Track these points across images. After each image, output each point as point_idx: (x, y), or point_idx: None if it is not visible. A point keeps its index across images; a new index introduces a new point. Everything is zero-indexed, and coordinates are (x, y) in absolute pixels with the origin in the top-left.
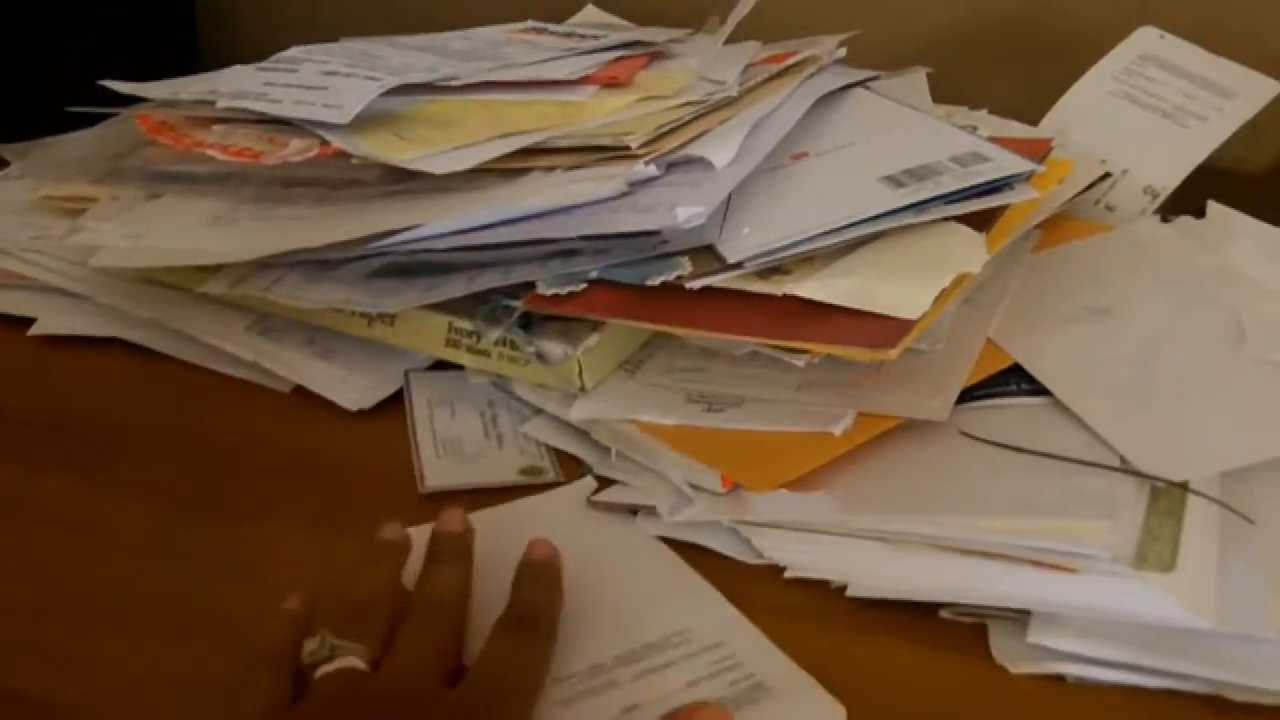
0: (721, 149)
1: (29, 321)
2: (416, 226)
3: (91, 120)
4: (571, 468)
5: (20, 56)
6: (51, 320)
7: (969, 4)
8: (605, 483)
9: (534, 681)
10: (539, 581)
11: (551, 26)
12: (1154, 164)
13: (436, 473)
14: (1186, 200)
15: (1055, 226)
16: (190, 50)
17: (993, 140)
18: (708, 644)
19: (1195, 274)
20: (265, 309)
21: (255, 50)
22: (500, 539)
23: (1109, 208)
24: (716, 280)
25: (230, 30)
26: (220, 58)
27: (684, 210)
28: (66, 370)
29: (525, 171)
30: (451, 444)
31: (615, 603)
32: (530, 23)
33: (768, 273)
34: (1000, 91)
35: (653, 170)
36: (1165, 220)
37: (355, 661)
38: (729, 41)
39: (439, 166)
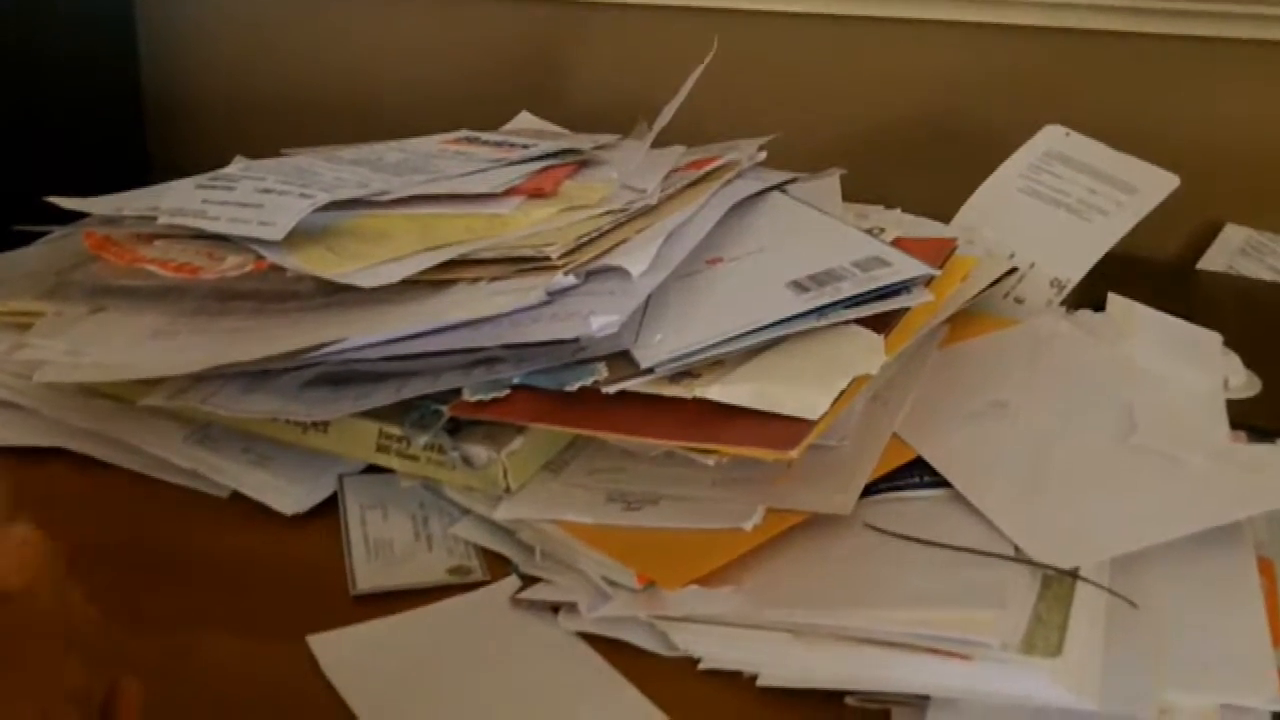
0: (638, 258)
1: None
2: (345, 339)
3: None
4: (499, 567)
5: None
6: None
7: (886, 106)
8: (530, 581)
9: None
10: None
11: (484, 135)
12: (1060, 257)
13: (367, 575)
14: (1097, 287)
15: (962, 322)
16: (141, 159)
17: (898, 242)
18: None
19: (1092, 367)
20: (204, 419)
21: (206, 154)
22: (425, 641)
23: (1018, 300)
24: (630, 385)
25: (179, 137)
26: (172, 164)
27: (598, 319)
28: (12, 481)
29: (452, 283)
30: (383, 545)
31: (537, 702)
32: (464, 132)
33: (679, 376)
34: (917, 188)
35: (571, 280)
36: (1071, 310)
37: None
38: (656, 145)
39: (367, 281)
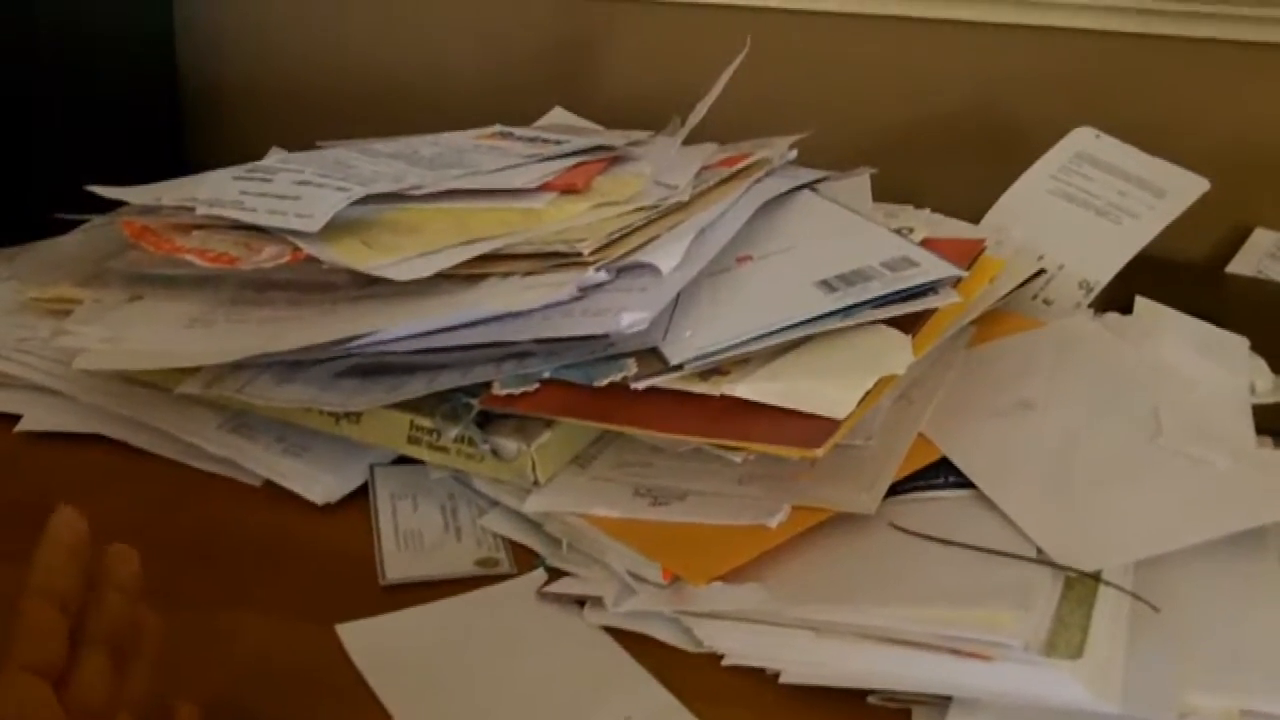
0: (668, 255)
1: (15, 418)
2: (378, 331)
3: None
4: (526, 559)
5: (10, 161)
6: (36, 417)
7: (917, 106)
8: (557, 574)
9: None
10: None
11: (517, 131)
12: (1088, 259)
13: (397, 565)
14: (1126, 289)
15: (990, 322)
16: (178, 148)
17: (926, 242)
18: None
19: (1118, 369)
20: (239, 407)
21: (242, 145)
22: (451, 632)
23: (1046, 301)
24: (659, 381)
25: (216, 128)
26: (208, 153)
27: (628, 316)
28: (49, 465)
29: (484, 277)
30: (412, 536)
31: (561, 694)
32: (498, 127)
33: (707, 373)
34: (947, 187)
35: (603, 276)
36: (1099, 313)
37: None
38: (689, 142)
39: (401, 274)
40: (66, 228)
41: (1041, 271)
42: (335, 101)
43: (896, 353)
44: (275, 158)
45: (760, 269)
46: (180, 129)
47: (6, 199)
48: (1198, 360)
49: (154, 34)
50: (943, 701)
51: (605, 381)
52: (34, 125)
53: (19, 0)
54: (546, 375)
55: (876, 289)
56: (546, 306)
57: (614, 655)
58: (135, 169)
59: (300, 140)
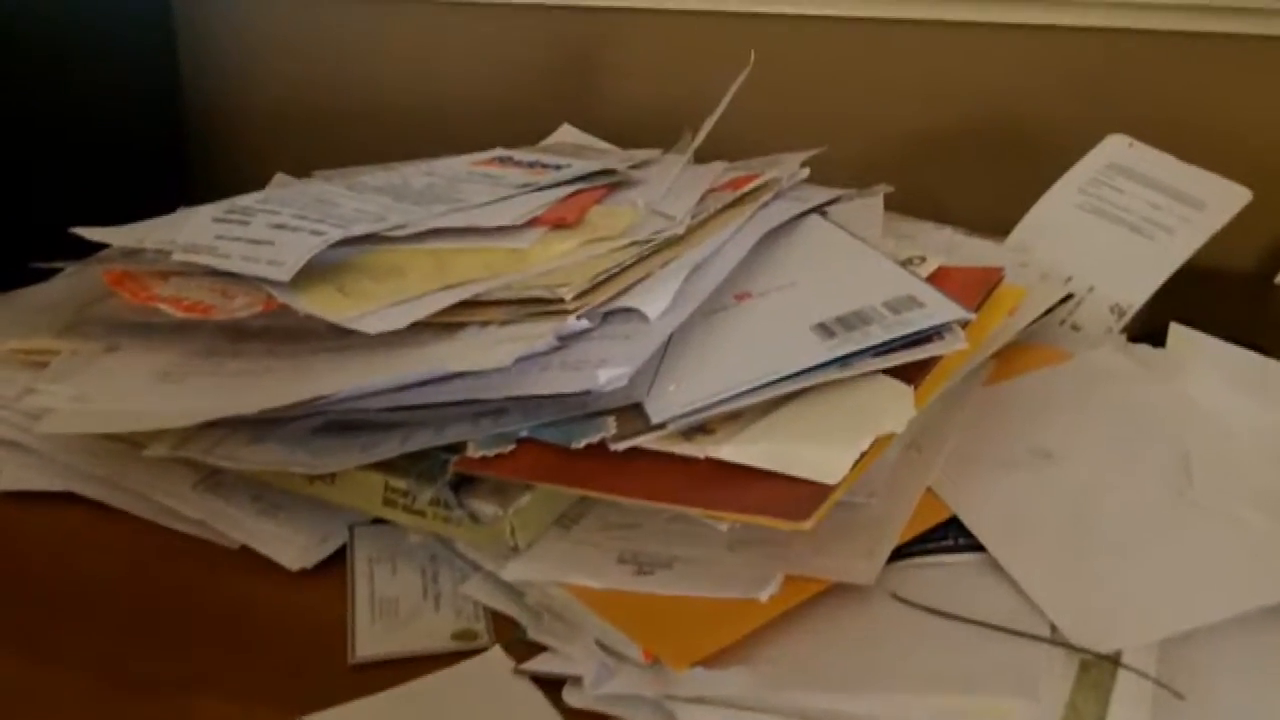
0: (656, 299)
1: None
2: (340, 390)
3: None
4: (507, 628)
5: (7, 191)
6: (12, 476)
7: (940, 114)
8: (539, 648)
9: None
10: None
11: (517, 154)
12: (1121, 280)
13: (368, 641)
14: (1162, 308)
15: (1011, 355)
16: (181, 174)
17: (939, 273)
18: None
19: (1146, 410)
20: (211, 467)
21: (247, 168)
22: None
23: (1075, 327)
24: (640, 441)
25: (221, 152)
26: (212, 178)
27: (605, 373)
28: (21, 527)
29: (463, 325)
30: (389, 604)
31: None
32: (498, 151)
33: (692, 432)
34: (970, 198)
35: (584, 324)
36: (1132, 339)
37: None
38: (698, 157)
39: (373, 326)
40: (52, 273)
41: (1069, 296)
42: (340, 124)
43: (897, 407)
44: (255, 196)
45: (756, 309)
46: (183, 154)
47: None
48: (1235, 399)
49: (157, 59)
50: None
51: (583, 443)
52: (31, 154)
53: (14, 23)
54: (524, 434)
55: (877, 334)
56: (523, 360)
57: None
58: (137, 197)
59: (305, 163)
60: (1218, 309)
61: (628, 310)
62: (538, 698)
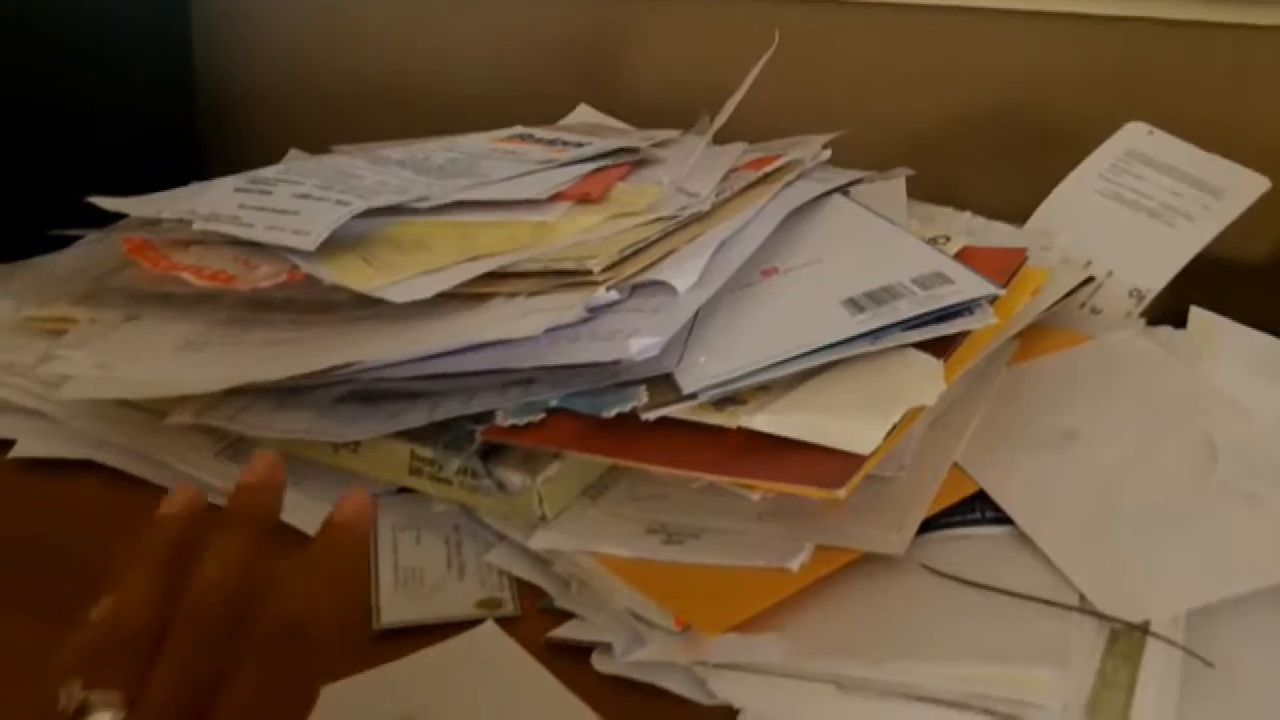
0: (685, 273)
1: (8, 444)
2: (370, 359)
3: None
4: (533, 598)
5: (22, 167)
6: (29, 444)
7: (958, 101)
8: (566, 616)
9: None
10: (321, 574)
11: (538, 132)
12: (1140, 265)
13: (392, 609)
14: (1180, 294)
15: (1034, 337)
16: (195, 151)
17: (964, 253)
18: None
19: (1169, 392)
20: (234, 436)
21: (261, 145)
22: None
23: (1094, 310)
24: (671, 411)
25: (234, 129)
26: (225, 156)
27: (637, 342)
28: (43, 496)
29: (489, 296)
30: (412, 574)
31: None
32: (518, 129)
33: (723, 403)
34: (989, 186)
35: (613, 296)
36: (1151, 323)
37: (105, 715)
38: (717, 141)
39: (400, 295)
40: (68, 242)
41: (1090, 279)
42: (355, 103)
43: (927, 381)
44: (276, 168)
45: (785, 284)
46: (196, 132)
47: (16, 208)
48: (1255, 382)
49: (169, 34)
50: None
51: (614, 413)
52: (46, 130)
53: (27, 2)
54: (553, 404)
55: (906, 309)
56: (552, 330)
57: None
58: (150, 173)
59: (320, 141)
60: (1233, 297)
61: (655, 284)
62: (543, 672)
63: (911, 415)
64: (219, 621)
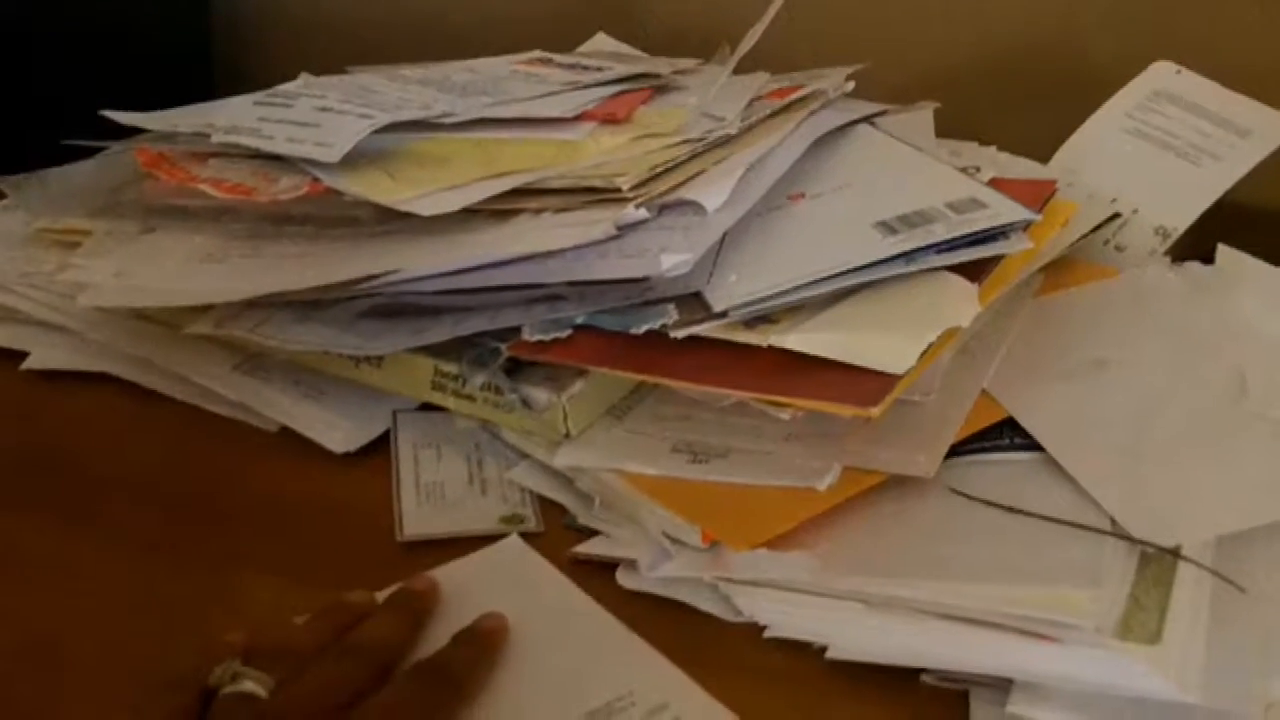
0: (714, 193)
1: (21, 355)
2: (398, 270)
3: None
4: (554, 515)
5: (33, 89)
6: (43, 355)
7: (981, 37)
8: (589, 533)
9: None
10: (470, 643)
11: (558, 57)
12: (1166, 204)
13: (416, 521)
14: (1204, 236)
15: (1060, 270)
16: (206, 76)
17: (994, 182)
18: (652, 706)
19: (1199, 325)
20: (255, 348)
21: (272, 70)
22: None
23: (1119, 248)
24: (701, 329)
25: (245, 54)
26: (237, 82)
27: (669, 258)
28: (57, 406)
29: (515, 213)
30: (434, 489)
31: (556, 668)
32: (537, 53)
33: (754, 322)
34: (1013, 126)
35: (643, 214)
36: (1176, 261)
37: (253, 687)
38: (738, 72)
39: (425, 209)
40: (79, 155)
41: (1116, 215)
42: (367, 29)
43: (962, 303)
44: (298, 82)
45: (814, 208)
46: (209, 57)
47: (26, 126)
48: None
49: None
50: (1003, 684)
51: (643, 329)
52: (59, 53)
53: None
54: (579, 321)
55: (941, 232)
56: (580, 247)
57: (610, 626)
58: (161, 97)
59: (331, 67)
60: (1258, 245)
61: (685, 204)
62: (569, 584)
63: (946, 337)
64: (367, 653)
